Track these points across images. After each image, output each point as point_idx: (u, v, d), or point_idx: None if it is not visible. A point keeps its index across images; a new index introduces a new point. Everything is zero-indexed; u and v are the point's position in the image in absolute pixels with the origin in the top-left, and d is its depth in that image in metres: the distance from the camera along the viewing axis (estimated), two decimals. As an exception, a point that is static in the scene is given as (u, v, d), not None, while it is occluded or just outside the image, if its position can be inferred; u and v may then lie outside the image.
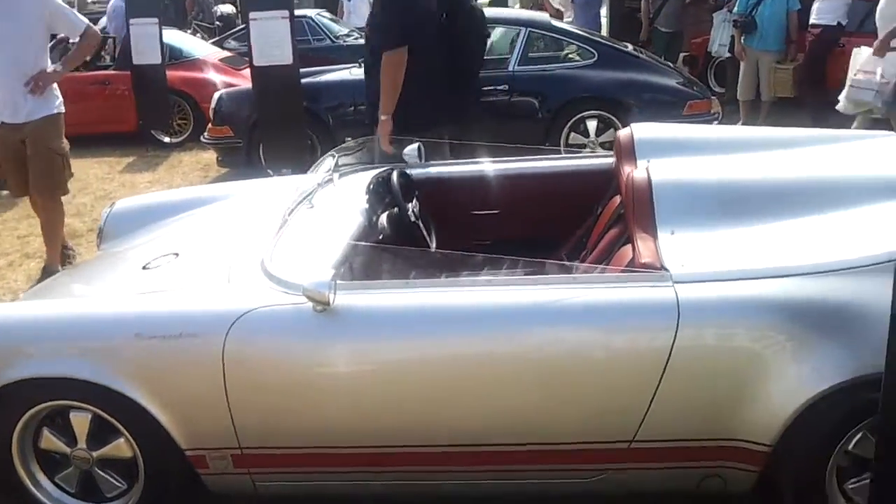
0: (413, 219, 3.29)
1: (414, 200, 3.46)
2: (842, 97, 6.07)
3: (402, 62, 4.00)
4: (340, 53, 9.49)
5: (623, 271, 2.35)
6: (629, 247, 2.53)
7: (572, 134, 6.76)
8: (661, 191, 2.49)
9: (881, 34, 5.90)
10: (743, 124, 7.58)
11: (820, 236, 2.36)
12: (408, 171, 3.61)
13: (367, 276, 2.69)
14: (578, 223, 3.48)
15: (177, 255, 2.91)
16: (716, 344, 2.24)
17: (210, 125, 7.12)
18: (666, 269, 2.27)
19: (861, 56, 5.97)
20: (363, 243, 2.79)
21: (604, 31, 10.72)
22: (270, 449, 2.44)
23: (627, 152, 3.06)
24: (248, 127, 6.78)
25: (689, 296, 2.22)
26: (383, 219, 3.24)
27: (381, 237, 3.22)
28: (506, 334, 2.31)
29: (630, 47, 7.31)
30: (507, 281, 2.50)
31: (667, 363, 2.20)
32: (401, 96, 4.03)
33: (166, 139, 8.85)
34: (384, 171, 3.48)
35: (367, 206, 3.14)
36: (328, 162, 3.40)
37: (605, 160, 3.56)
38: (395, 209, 3.26)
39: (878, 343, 1.92)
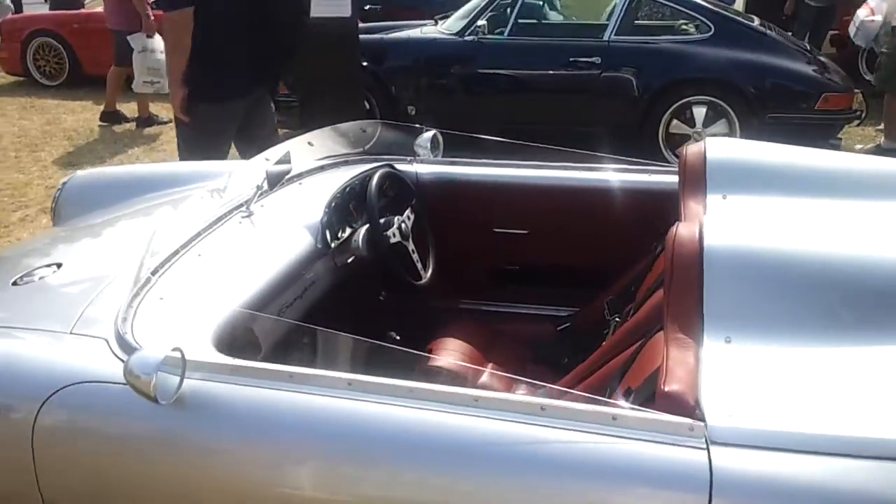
0: (395, 238, 2.45)
1: (408, 212, 2.62)
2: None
3: (185, 24, 3.65)
4: (431, 6, 8.46)
5: (633, 408, 1.45)
6: (662, 339, 1.62)
7: (674, 121, 5.69)
8: (718, 266, 1.56)
9: None
10: (885, 131, 6.23)
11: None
12: (403, 170, 2.77)
13: (276, 351, 1.90)
14: (630, 260, 2.54)
15: (59, 266, 2.19)
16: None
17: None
18: (701, 419, 1.35)
19: None
20: (285, 298, 2.00)
21: (738, 4, 9.30)
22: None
23: (694, 179, 2.11)
24: (304, 85, 6.02)
25: (728, 466, 1.30)
26: (358, 239, 2.43)
27: (347, 268, 2.41)
28: (458, 479, 1.46)
29: (756, 22, 6.07)
30: (455, 397, 1.55)
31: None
32: (196, 62, 3.71)
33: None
34: (371, 168, 2.65)
35: (326, 220, 2.33)
36: (297, 150, 2.60)
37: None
38: (366, 225, 2.44)
39: None
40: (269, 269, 2.08)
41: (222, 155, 3.98)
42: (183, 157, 4.11)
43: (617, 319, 2.37)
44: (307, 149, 2.78)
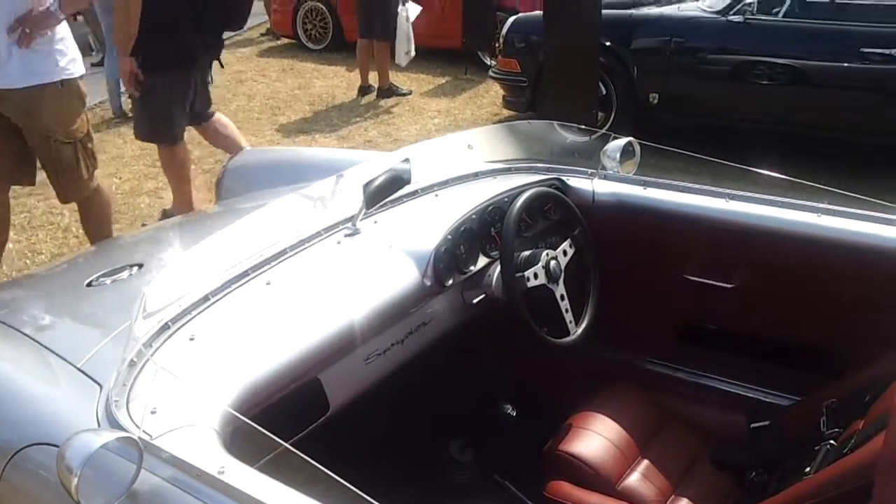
0: (534, 281, 1.88)
1: (566, 245, 2.03)
2: None
3: None
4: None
5: None
6: None
7: None
8: None
9: None
10: None
11: None
12: (576, 186, 2.17)
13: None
14: (876, 351, 1.76)
15: (139, 267, 1.91)
16: None
17: (499, 55, 6.00)
18: None
19: None
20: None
21: None
22: None
23: None
24: (537, 63, 5.47)
25: None
26: (492, 274, 1.92)
27: (478, 307, 1.90)
28: None
29: None
30: None
31: None
32: (146, 32, 3.68)
33: (490, 61, 7.93)
34: (529, 184, 2.09)
35: (445, 250, 1.83)
36: (450, 153, 2.11)
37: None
38: (498, 267, 1.89)
39: None
40: (357, 307, 1.63)
41: (178, 128, 4.02)
42: (138, 132, 4.15)
43: (833, 442, 1.63)
44: (465, 152, 2.29)
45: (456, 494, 1.96)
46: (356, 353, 1.64)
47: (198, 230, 1.99)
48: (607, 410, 1.93)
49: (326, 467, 1.11)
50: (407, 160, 1.86)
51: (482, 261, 1.97)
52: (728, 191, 2.08)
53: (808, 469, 1.57)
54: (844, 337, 1.93)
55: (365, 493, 1.04)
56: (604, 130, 2.47)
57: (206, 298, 1.55)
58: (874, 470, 1.19)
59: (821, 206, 1.97)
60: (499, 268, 1.92)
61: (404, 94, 7.07)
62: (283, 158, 2.91)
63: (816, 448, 1.64)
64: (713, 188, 2.11)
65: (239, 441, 1.27)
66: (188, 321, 1.49)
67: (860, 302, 1.91)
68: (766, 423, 1.96)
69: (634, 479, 1.81)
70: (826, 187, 2.06)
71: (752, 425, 1.97)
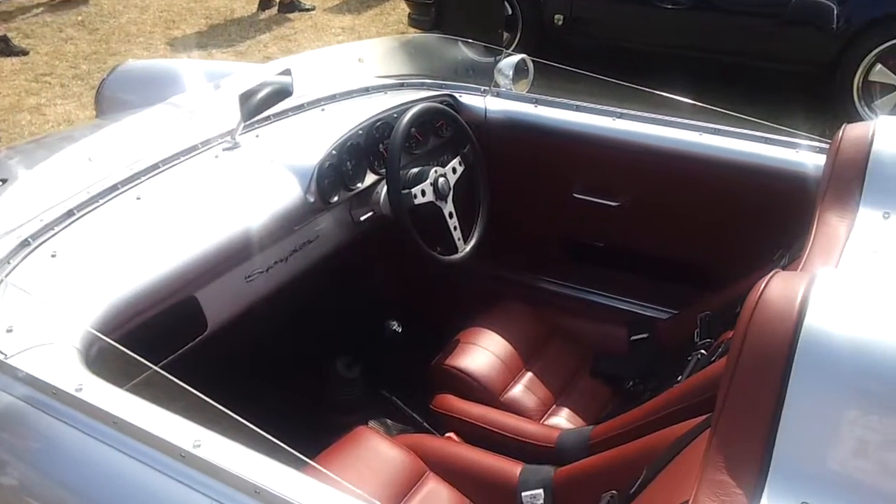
0: (421, 199, 1.86)
1: (455, 162, 2.01)
2: None
3: None
4: None
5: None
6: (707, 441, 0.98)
7: (878, 66, 4.56)
8: (821, 374, 0.87)
9: None
10: None
11: None
12: (469, 104, 2.15)
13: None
14: (747, 265, 1.82)
15: (3, 182, 1.80)
16: None
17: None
18: None
19: None
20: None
21: None
22: None
23: (846, 177, 1.39)
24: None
25: None
26: (380, 192, 1.89)
27: (366, 224, 1.88)
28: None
29: None
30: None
31: None
32: None
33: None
34: (419, 99, 2.05)
35: (329, 165, 1.78)
36: (340, 66, 2.04)
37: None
38: (382, 181, 1.87)
39: None
40: (235, 224, 1.58)
41: None
42: None
43: (703, 351, 1.70)
44: (356, 66, 2.22)
45: (343, 410, 1.98)
46: (236, 272, 1.60)
47: (70, 145, 1.88)
48: (494, 326, 1.96)
49: (206, 385, 1.08)
50: (288, 71, 1.79)
51: (370, 178, 1.93)
52: (616, 109, 2.10)
53: (679, 378, 1.64)
54: (720, 254, 1.99)
55: (248, 410, 1.02)
56: (499, 47, 2.43)
57: (70, 213, 1.47)
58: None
59: (702, 124, 2.01)
60: (385, 185, 1.89)
61: (307, 10, 6.81)
62: (168, 70, 2.75)
63: (689, 358, 1.71)
64: (602, 107, 2.12)
65: (106, 362, 1.22)
66: (50, 237, 1.41)
67: (737, 219, 1.98)
68: (645, 335, 2.04)
69: (517, 391, 1.85)
70: (718, 109, 2.09)
71: (632, 338, 2.04)
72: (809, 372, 0.87)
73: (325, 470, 0.98)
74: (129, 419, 1.02)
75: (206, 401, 1.02)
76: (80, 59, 5.32)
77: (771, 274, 1.01)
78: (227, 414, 0.99)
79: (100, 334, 1.19)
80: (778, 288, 0.95)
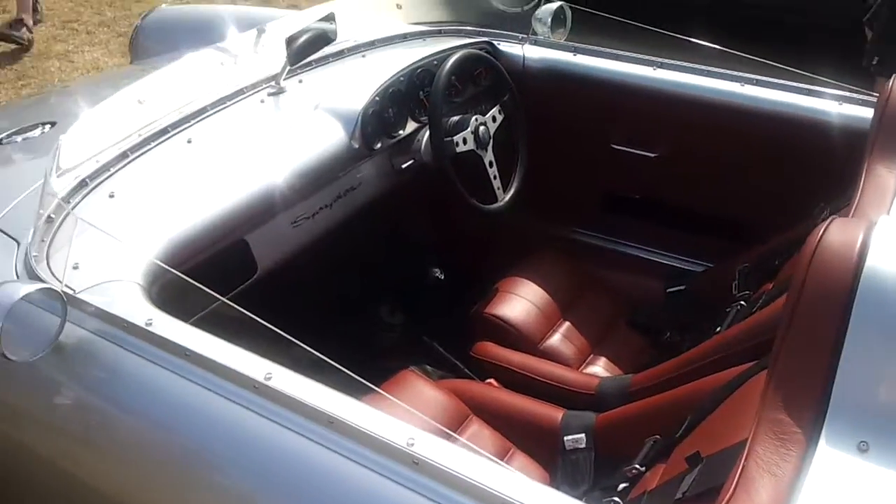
0: (463, 147, 1.88)
1: (495, 111, 2.02)
2: None
3: None
4: None
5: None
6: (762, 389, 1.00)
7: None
8: (880, 318, 0.89)
9: None
10: None
11: None
12: (507, 51, 2.14)
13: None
14: (787, 219, 1.82)
15: (52, 125, 1.82)
16: None
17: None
18: None
19: None
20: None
21: None
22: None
23: (895, 128, 1.39)
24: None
25: None
26: (421, 140, 1.90)
27: (407, 173, 1.90)
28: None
29: None
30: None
31: None
32: None
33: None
34: (458, 46, 2.05)
35: (372, 112, 1.79)
36: (376, 12, 2.03)
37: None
38: (426, 131, 1.87)
39: None
40: (282, 169, 1.60)
41: None
42: None
43: (743, 303, 1.71)
44: (393, 11, 2.21)
45: (385, 355, 2.02)
46: (283, 216, 1.63)
47: (112, 89, 1.89)
48: (531, 276, 1.98)
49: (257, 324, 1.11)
50: (332, 16, 1.79)
51: (411, 126, 1.94)
52: (656, 59, 2.08)
53: (718, 329, 1.66)
54: (758, 207, 2.00)
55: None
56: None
57: (124, 155, 1.49)
58: (776, 325, 1.26)
59: (744, 75, 2.00)
60: (427, 132, 1.90)
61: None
62: (201, 16, 2.74)
63: (727, 309, 1.72)
64: (642, 56, 2.10)
65: (166, 297, 1.26)
66: (107, 178, 1.44)
67: (776, 173, 1.97)
68: (682, 287, 2.05)
69: (556, 340, 1.88)
70: (757, 58, 2.07)
71: (668, 290, 2.06)
72: (870, 314, 0.89)
73: (395, 399, 1.02)
74: (200, 351, 1.06)
75: (276, 332, 1.05)
76: (104, 6, 5.30)
77: (829, 220, 1.02)
78: (296, 346, 1.03)
79: (169, 268, 1.23)
80: (837, 232, 0.96)
